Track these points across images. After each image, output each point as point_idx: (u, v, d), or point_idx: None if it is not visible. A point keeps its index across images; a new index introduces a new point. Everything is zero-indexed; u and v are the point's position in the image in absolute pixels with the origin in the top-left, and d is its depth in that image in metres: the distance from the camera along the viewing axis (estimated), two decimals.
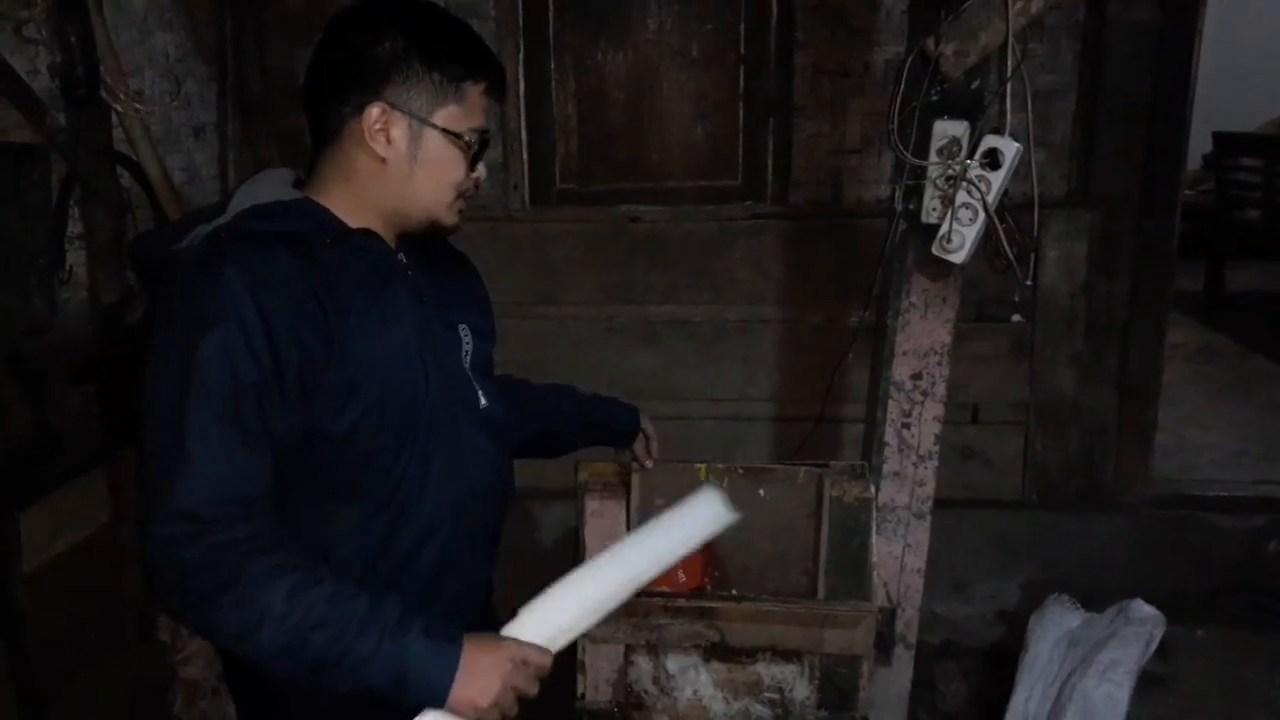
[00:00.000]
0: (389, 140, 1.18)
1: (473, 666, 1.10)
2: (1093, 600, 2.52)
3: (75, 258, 2.10)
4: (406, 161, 1.19)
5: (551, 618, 1.20)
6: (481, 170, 1.25)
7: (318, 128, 1.22)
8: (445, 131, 1.20)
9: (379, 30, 1.19)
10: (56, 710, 2.14)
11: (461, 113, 1.21)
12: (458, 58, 1.20)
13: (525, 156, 3.03)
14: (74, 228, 2.08)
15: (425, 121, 1.19)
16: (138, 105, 2.01)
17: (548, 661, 1.16)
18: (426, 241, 1.29)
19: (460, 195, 1.24)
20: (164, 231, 1.27)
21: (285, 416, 1.12)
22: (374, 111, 1.17)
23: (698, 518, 1.38)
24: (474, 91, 1.21)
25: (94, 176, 1.99)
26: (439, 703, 1.09)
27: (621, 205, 3.00)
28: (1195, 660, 2.49)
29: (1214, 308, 5.71)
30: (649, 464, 1.76)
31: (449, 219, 1.25)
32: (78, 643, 2.25)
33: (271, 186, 1.22)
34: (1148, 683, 2.30)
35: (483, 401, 1.31)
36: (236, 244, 1.13)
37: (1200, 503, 3.03)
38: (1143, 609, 2.35)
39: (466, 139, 1.21)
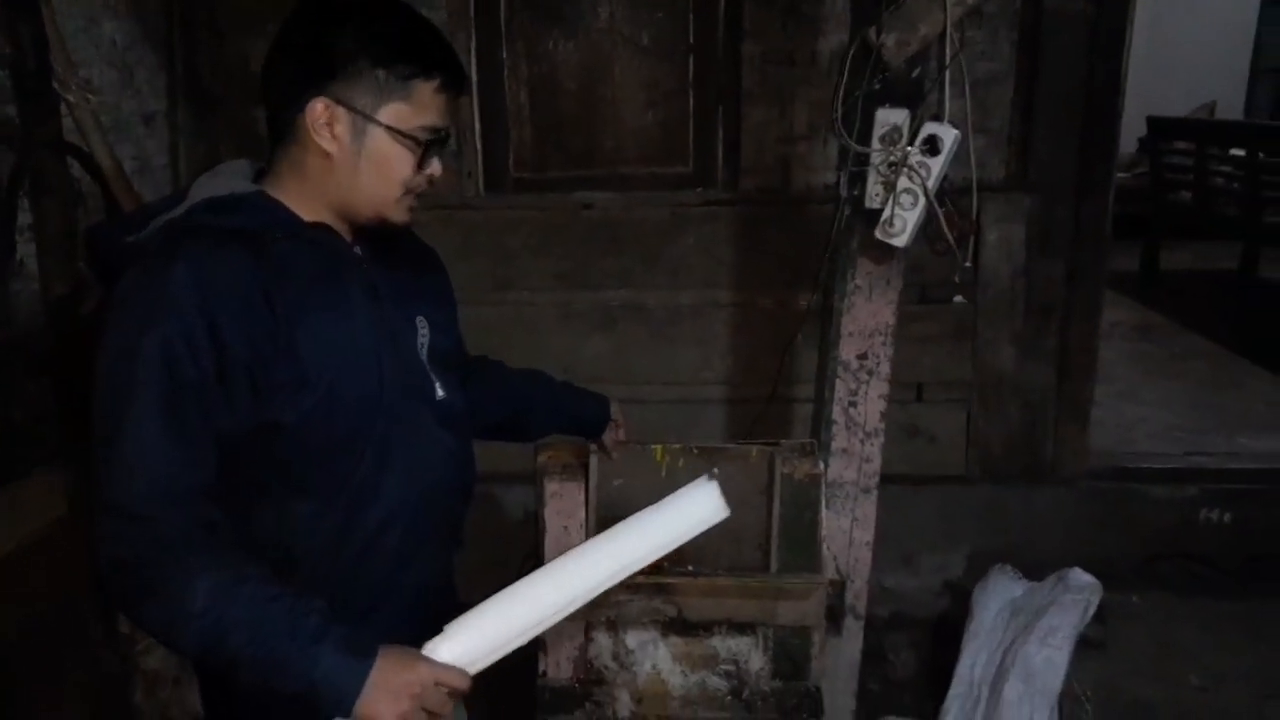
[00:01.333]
0: (333, 135, 1.19)
1: (383, 682, 1.08)
2: (1034, 570, 2.62)
3: (25, 250, 2.08)
4: (351, 157, 1.20)
5: (478, 639, 1.17)
6: (436, 167, 1.26)
7: (274, 121, 1.24)
8: (390, 129, 1.20)
9: (328, 25, 1.20)
10: (20, 703, 2.13)
11: (410, 110, 1.20)
12: (407, 55, 1.20)
13: (479, 145, 3.05)
14: (23, 219, 2.06)
15: (369, 118, 1.19)
16: (89, 95, 2.00)
17: (466, 684, 1.14)
18: (387, 235, 1.30)
19: (409, 192, 1.25)
20: (119, 222, 1.31)
21: (231, 413, 1.14)
22: (318, 106, 1.18)
23: (683, 518, 1.32)
24: (425, 89, 1.21)
25: (45, 168, 1.98)
26: (345, 714, 1.08)
27: (575, 192, 3.03)
28: (1131, 624, 2.60)
29: (1149, 287, 5.89)
30: (615, 455, 1.83)
31: (397, 215, 1.26)
32: (39, 636, 2.24)
33: (228, 179, 1.24)
34: (1086, 646, 2.40)
35: (440, 393, 1.32)
36: (188, 239, 1.14)
37: (1136, 475, 3.15)
38: (1081, 577, 2.45)
39: (416, 137, 1.21)
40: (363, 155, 1.20)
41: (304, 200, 1.23)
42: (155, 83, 2.71)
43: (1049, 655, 2.28)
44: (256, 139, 2.94)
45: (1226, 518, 3.03)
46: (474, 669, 1.16)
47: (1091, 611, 2.39)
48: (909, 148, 1.77)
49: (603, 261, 3.04)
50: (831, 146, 2.86)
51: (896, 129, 1.77)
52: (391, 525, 1.27)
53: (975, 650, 2.40)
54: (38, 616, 2.25)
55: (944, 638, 2.78)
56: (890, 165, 1.79)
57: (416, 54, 1.21)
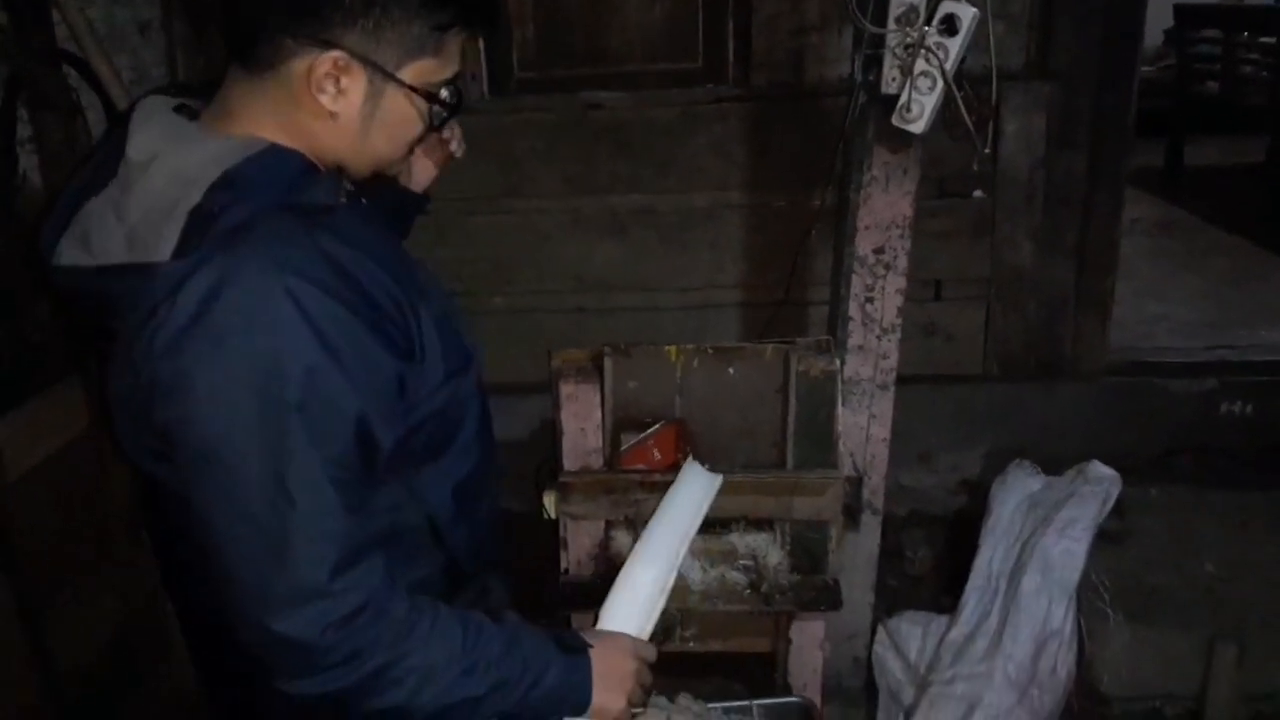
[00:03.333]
0: (339, 91, 0.97)
1: (606, 673, 1.12)
2: (1053, 466, 2.61)
3: (28, 162, 2.06)
4: (361, 120, 1.00)
5: (635, 611, 1.28)
6: (456, 144, 1.12)
7: (242, 45, 0.97)
8: (413, 89, 1.00)
9: None
10: (50, 616, 2.18)
11: (435, 65, 1.01)
12: (451, 1, 0.99)
13: (481, 45, 2.96)
14: (23, 131, 2.03)
15: (391, 77, 0.98)
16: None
17: (654, 653, 1.23)
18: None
19: (413, 150, 1.09)
20: (52, 230, 0.98)
21: (391, 429, 0.99)
22: (327, 61, 0.95)
23: (695, 491, 1.55)
24: (456, 40, 1.01)
25: (41, 77, 1.94)
26: (581, 714, 1.11)
27: (582, 92, 2.95)
28: (1149, 516, 2.60)
29: (1173, 182, 5.76)
30: None
31: (394, 169, 1.13)
32: (67, 549, 2.28)
33: (203, 142, 0.96)
34: (1105, 538, 2.41)
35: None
36: (264, 240, 0.90)
37: (1156, 369, 3.12)
38: (1100, 469, 2.44)
39: (440, 98, 1.03)
40: (375, 117, 1.00)
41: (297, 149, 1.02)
42: None
43: (1067, 547, 2.29)
44: None
45: (1248, 409, 3.01)
46: (647, 636, 1.27)
47: (1110, 504, 2.39)
48: (926, 28, 1.71)
49: (612, 164, 2.98)
50: (846, 37, 2.77)
51: (913, 9, 1.71)
52: (486, 482, 1.23)
53: (993, 544, 2.42)
54: (65, 527, 2.29)
55: (961, 535, 2.80)
56: (907, 48, 1.74)
57: (469, 3, 1.01)
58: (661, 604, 1.32)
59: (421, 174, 1.36)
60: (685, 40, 2.96)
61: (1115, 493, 2.42)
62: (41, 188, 2.04)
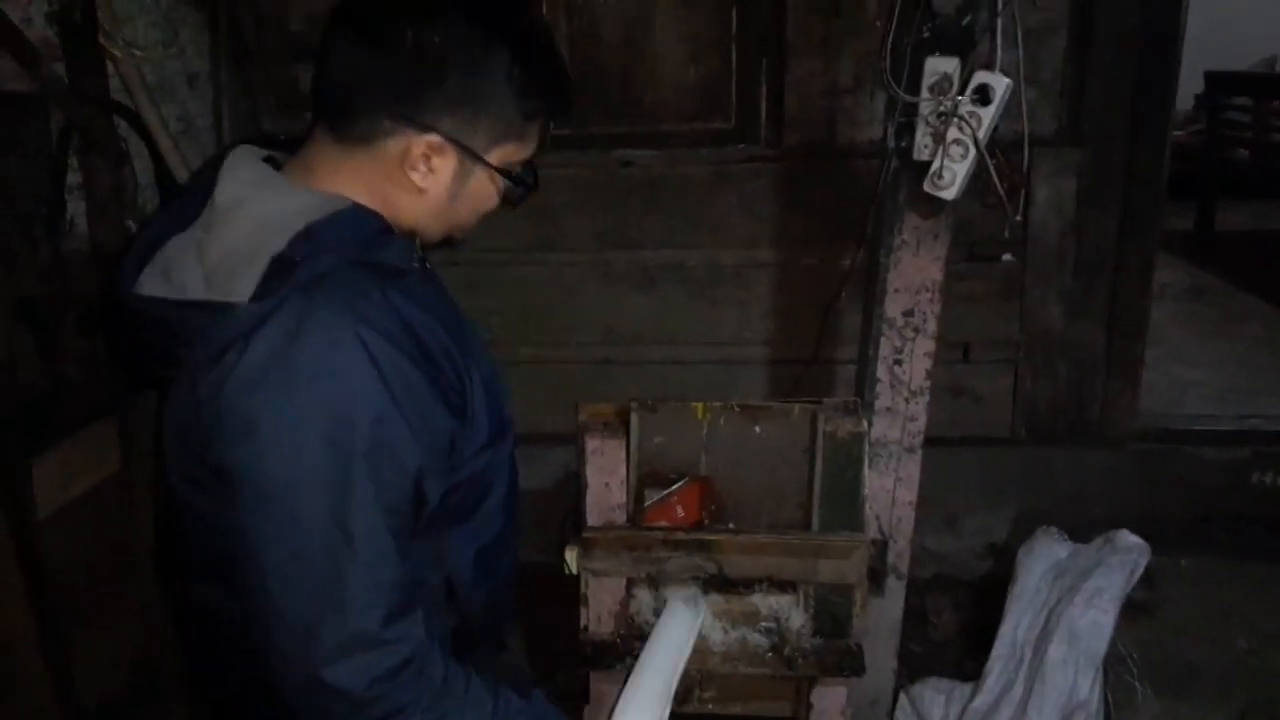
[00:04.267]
0: (430, 170, 1.02)
1: None
2: (1080, 532, 2.58)
3: (75, 208, 2.11)
4: (447, 197, 1.05)
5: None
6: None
7: (337, 117, 1.01)
8: (498, 170, 1.05)
9: (473, 43, 0.98)
10: (75, 648, 2.20)
11: (518, 148, 1.06)
12: (547, 92, 1.04)
13: None
14: (73, 178, 2.09)
15: (479, 159, 1.03)
16: (135, 51, 2.01)
17: None
18: None
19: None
20: (133, 261, 1.01)
21: (439, 486, 1.03)
22: (423, 143, 1.00)
23: (679, 626, 1.65)
24: (537, 125, 1.07)
25: (92, 125, 2.00)
26: None
27: (616, 150, 3.00)
28: (1179, 587, 2.56)
29: (1203, 248, 5.74)
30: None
31: (463, 237, 1.14)
32: (93, 584, 2.31)
33: (291, 194, 1.00)
34: (1133, 609, 2.37)
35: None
36: (341, 292, 0.94)
37: (1186, 436, 3.09)
38: (1128, 539, 2.41)
39: (522, 180, 1.08)
40: (459, 195, 1.05)
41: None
42: (199, 42, 2.72)
43: (1094, 617, 2.26)
44: (297, 98, 2.96)
45: None
46: None
47: (1139, 574, 2.36)
48: (959, 97, 1.73)
49: (643, 220, 3.02)
50: (878, 100, 2.81)
51: (947, 78, 1.73)
52: (505, 545, 1.25)
53: (1019, 611, 2.38)
54: (93, 563, 2.31)
55: (986, 600, 2.76)
56: (940, 115, 1.75)
57: (554, 92, 1.06)
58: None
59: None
60: (719, 100, 3.01)
61: (1144, 562, 2.38)
62: (88, 233, 2.09)
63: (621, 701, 1.42)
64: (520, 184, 1.09)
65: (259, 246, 0.94)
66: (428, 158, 1.01)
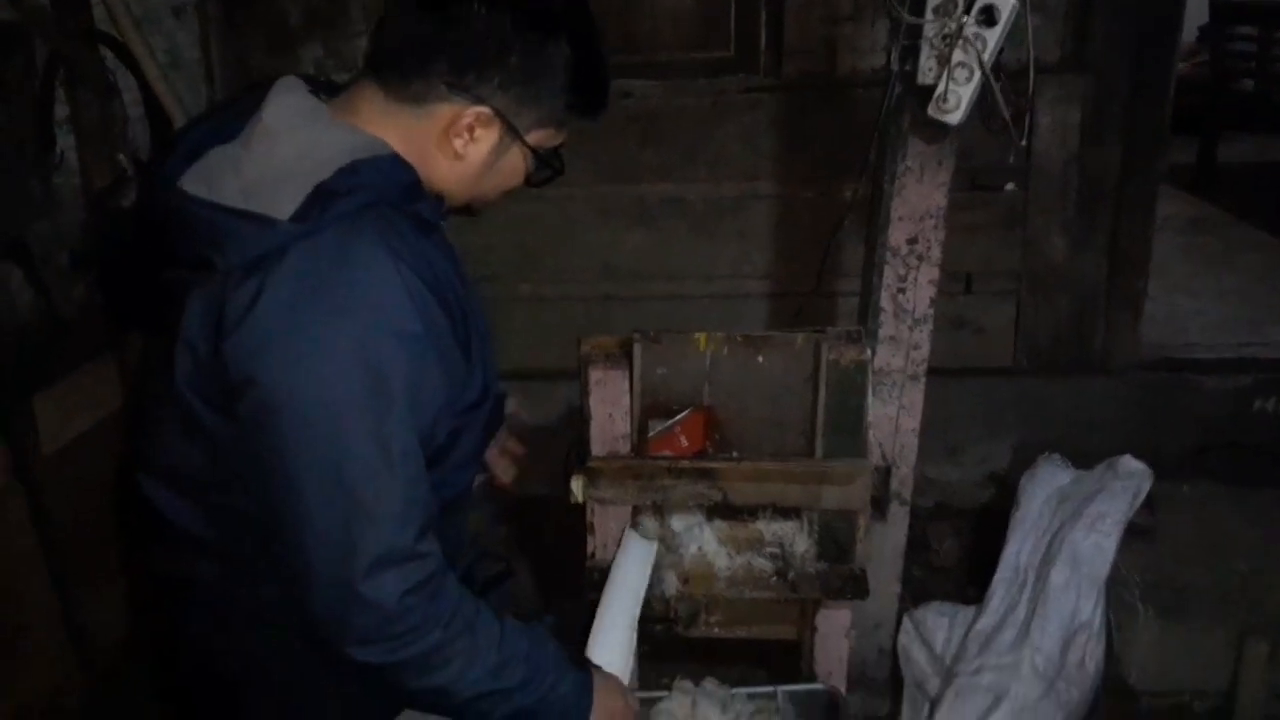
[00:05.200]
0: (472, 140, 1.08)
1: (603, 699, 1.20)
2: (1082, 461, 2.58)
3: (64, 142, 2.08)
4: (482, 167, 1.11)
5: (615, 663, 1.37)
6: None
7: (391, 73, 1.06)
8: (533, 151, 1.12)
9: (539, 31, 1.05)
10: (84, 590, 2.22)
11: (554, 133, 1.14)
12: (594, 89, 1.12)
13: None
14: (61, 111, 2.05)
15: (519, 137, 1.10)
16: None
17: (638, 705, 1.35)
18: None
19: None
20: (177, 164, 1.04)
21: (446, 427, 1.08)
22: (473, 114, 1.06)
23: (636, 560, 1.74)
24: (575, 119, 1.15)
25: (79, 57, 1.95)
26: None
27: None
28: (1180, 512, 2.57)
29: (1206, 180, 5.69)
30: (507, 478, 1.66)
31: (482, 207, 1.20)
32: (100, 525, 2.31)
33: (338, 129, 1.04)
34: (1134, 533, 2.38)
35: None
36: (374, 220, 0.99)
37: (1188, 365, 3.09)
38: (1131, 464, 2.42)
39: (551, 163, 1.15)
40: (494, 167, 1.12)
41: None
42: None
43: (1097, 541, 2.27)
44: (285, 35, 2.89)
45: None
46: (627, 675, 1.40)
47: (1141, 499, 2.37)
48: (965, 18, 1.69)
49: (641, 154, 2.98)
50: (879, 28, 2.76)
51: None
52: (462, 502, 1.28)
53: (1022, 536, 2.40)
54: (99, 503, 2.32)
55: (988, 529, 2.78)
56: (944, 38, 1.72)
57: (601, 94, 1.15)
58: (632, 662, 1.46)
59: None
60: (717, 29, 2.94)
61: (1146, 488, 2.39)
62: (78, 168, 2.06)
63: (591, 639, 1.49)
64: (549, 167, 1.15)
65: (304, 172, 0.98)
66: (472, 128, 1.06)
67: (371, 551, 0.96)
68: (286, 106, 1.04)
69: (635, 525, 1.83)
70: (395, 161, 1.04)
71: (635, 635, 1.52)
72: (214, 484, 1.06)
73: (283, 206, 0.96)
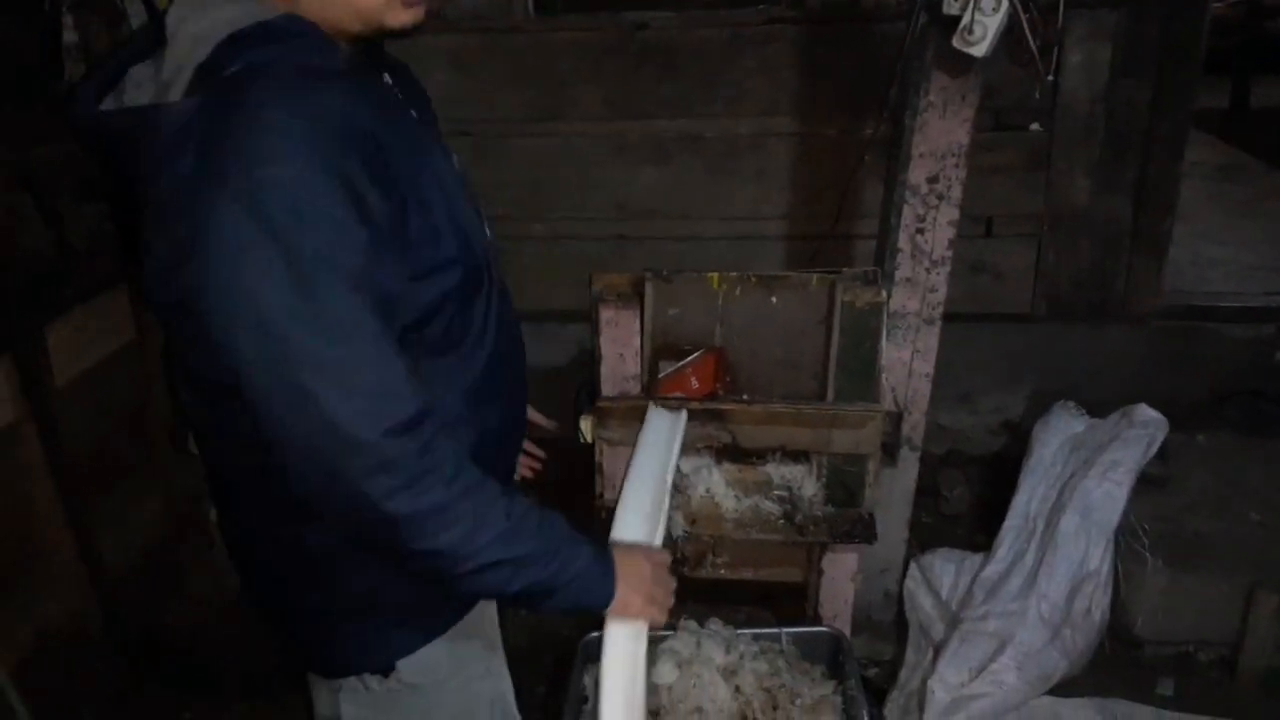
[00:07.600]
0: None
1: (626, 571, 1.18)
2: (1098, 409, 2.57)
3: (74, 70, 2.04)
4: None
5: (641, 523, 1.34)
6: None
7: None
8: None
9: None
10: (97, 519, 2.24)
11: None
12: None
13: None
14: (68, 38, 2.01)
15: None
16: None
17: (668, 558, 1.29)
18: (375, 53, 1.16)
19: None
20: (86, 88, 1.05)
21: (399, 273, 1.02)
22: None
23: (663, 427, 1.68)
24: None
25: None
26: (605, 604, 1.17)
27: (628, 11, 2.87)
28: (1195, 462, 2.55)
29: (1237, 124, 5.56)
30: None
31: (393, 19, 1.08)
32: (113, 454, 2.33)
33: (219, 7, 1.02)
34: (1147, 482, 2.37)
35: (486, 230, 1.25)
36: (260, 81, 0.96)
37: (1210, 313, 3.03)
38: (1146, 413, 2.40)
39: None
40: None
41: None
42: None
43: (1108, 489, 2.26)
44: None
45: None
46: (658, 542, 1.32)
47: (1155, 448, 2.35)
48: None
49: (657, 88, 2.91)
50: None
51: None
52: (503, 368, 1.24)
53: (1033, 484, 2.39)
54: (112, 433, 2.33)
55: (999, 477, 2.77)
56: None
57: None
58: (664, 521, 1.38)
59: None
60: None
61: (1161, 437, 2.37)
62: None
63: (625, 482, 1.47)
64: None
65: (190, 57, 0.99)
66: None
67: (367, 394, 0.95)
68: (182, 4, 1.03)
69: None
70: (284, 19, 1.02)
71: (669, 500, 1.46)
72: (210, 381, 1.08)
73: (174, 95, 0.98)
